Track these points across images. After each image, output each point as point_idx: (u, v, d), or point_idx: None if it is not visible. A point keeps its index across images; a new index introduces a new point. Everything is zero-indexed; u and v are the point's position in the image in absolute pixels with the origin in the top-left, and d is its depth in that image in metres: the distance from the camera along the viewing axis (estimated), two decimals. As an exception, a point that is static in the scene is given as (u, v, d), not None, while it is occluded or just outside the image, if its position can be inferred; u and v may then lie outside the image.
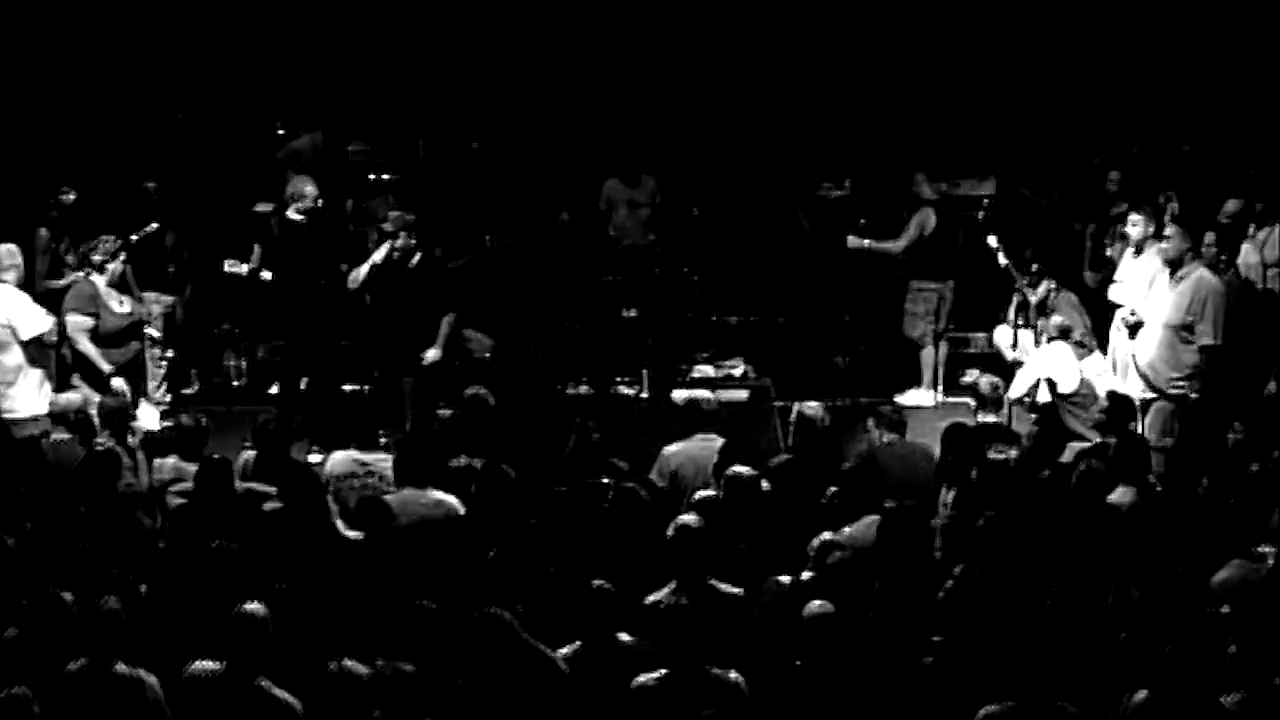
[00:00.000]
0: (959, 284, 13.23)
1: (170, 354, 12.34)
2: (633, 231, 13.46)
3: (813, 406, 9.69)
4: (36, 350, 10.83)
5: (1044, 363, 11.05)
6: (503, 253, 13.19)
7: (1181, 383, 10.60)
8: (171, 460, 9.57)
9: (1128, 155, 13.82)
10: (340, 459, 9.54)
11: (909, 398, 12.90)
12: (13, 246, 11.03)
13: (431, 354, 11.56)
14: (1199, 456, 9.30)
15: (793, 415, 9.75)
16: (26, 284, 11.17)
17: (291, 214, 11.72)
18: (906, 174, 13.38)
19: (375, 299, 11.67)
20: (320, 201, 11.81)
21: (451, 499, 8.82)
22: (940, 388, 13.24)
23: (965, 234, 13.40)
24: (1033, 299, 11.64)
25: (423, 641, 7.19)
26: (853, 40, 14.74)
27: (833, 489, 8.68)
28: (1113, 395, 10.53)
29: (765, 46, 14.75)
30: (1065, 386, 10.87)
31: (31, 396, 10.73)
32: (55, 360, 11.04)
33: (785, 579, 7.79)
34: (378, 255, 11.55)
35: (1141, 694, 6.63)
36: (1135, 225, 11.50)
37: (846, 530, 8.38)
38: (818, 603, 7.11)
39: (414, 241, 11.57)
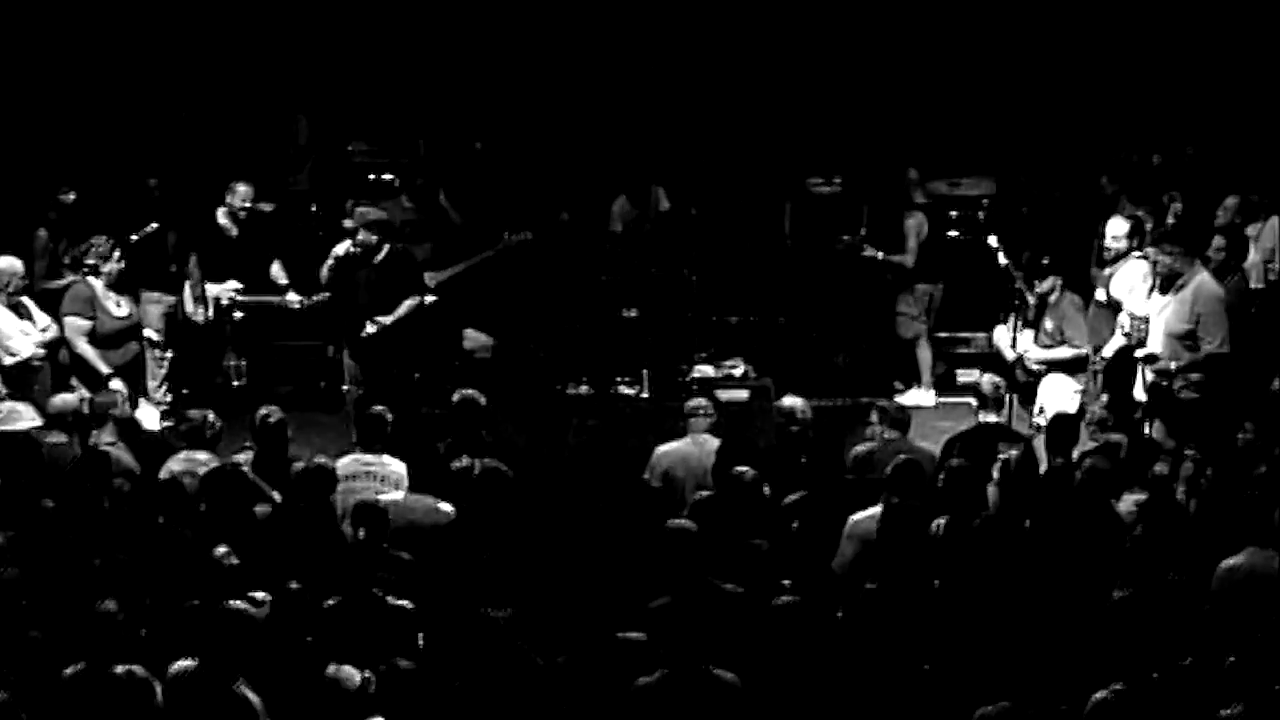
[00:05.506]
0: (955, 284, 13.23)
1: (170, 354, 12.33)
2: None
3: (791, 400, 9.78)
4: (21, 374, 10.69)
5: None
6: (524, 247, 13.11)
7: (1188, 391, 10.56)
8: (181, 455, 9.53)
9: (1122, 161, 13.82)
10: (344, 461, 9.54)
11: (909, 398, 12.89)
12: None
13: (382, 321, 11.32)
14: (1209, 459, 9.28)
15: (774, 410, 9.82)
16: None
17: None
18: (901, 173, 13.39)
19: (337, 294, 11.62)
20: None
21: (445, 506, 8.83)
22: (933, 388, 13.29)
23: (963, 234, 13.39)
24: (1032, 298, 11.62)
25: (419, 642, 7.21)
26: (852, 37, 14.74)
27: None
28: (1112, 394, 10.51)
29: (765, 45, 14.76)
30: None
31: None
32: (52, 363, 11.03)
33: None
34: (338, 249, 11.52)
35: (1101, 693, 6.65)
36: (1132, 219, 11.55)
37: (856, 516, 8.40)
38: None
39: (375, 238, 11.42)
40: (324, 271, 11.57)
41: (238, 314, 12.15)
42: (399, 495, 8.91)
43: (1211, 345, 10.40)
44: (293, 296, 12.29)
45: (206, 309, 12.02)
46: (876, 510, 8.46)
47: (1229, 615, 7.39)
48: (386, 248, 11.43)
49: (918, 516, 8.25)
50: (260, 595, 7.50)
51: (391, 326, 11.36)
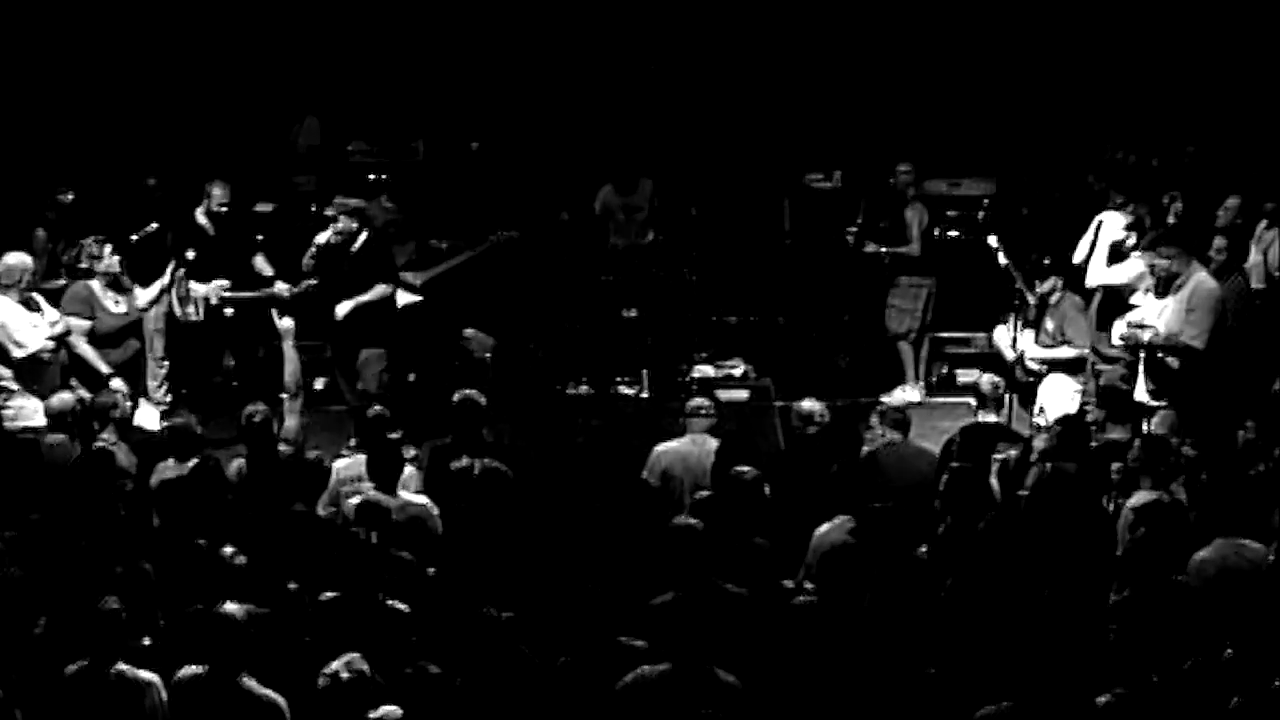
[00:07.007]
0: (954, 284, 13.23)
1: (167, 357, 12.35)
2: (630, 235, 13.46)
3: (810, 403, 9.77)
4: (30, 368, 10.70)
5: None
6: (510, 245, 13.15)
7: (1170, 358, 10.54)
8: (171, 460, 9.54)
9: (1108, 158, 13.82)
10: (346, 462, 9.55)
11: (896, 396, 12.82)
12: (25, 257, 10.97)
13: (341, 309, 11.54)
14: (1210, 457, 9.28)
15: (791, 413, 9.81)
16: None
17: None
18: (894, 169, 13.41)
19: (321, 282, 11.76)
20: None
21: (418, 499, 8.83)
22: (921, 383, 13.26)
23: (964, 234, 13.39)
24: (1032, 298, 11.62)
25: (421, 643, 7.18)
26: (851, 34, 14.75)
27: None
28: (1108, 391, 10.51)
29: (764, 44, 14.77)
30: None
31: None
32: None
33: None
34: (320, 238, 11.70)
35: (1104, 697, 6.65)
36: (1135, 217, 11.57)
37: (824, 527, 8.38)
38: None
39: (355, 225, 11.63)
40: (306, 260, 11.75)
41: (228, 311, 12.15)
42: (369, 492, 8.88)
43: (1190, 338, 10.36)
44: (281, 286, 12.27)
45: (196, 309, 12.04)
46: (840, 520, 8.41)
47: (1207, 609, 7.39)
48: (364, 236, 11.67)
49: (896, 517, 8.23)
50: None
51: (363, 312, 11.53)
